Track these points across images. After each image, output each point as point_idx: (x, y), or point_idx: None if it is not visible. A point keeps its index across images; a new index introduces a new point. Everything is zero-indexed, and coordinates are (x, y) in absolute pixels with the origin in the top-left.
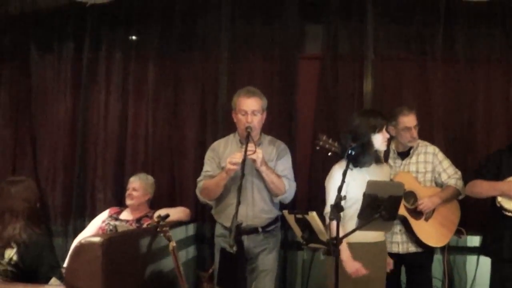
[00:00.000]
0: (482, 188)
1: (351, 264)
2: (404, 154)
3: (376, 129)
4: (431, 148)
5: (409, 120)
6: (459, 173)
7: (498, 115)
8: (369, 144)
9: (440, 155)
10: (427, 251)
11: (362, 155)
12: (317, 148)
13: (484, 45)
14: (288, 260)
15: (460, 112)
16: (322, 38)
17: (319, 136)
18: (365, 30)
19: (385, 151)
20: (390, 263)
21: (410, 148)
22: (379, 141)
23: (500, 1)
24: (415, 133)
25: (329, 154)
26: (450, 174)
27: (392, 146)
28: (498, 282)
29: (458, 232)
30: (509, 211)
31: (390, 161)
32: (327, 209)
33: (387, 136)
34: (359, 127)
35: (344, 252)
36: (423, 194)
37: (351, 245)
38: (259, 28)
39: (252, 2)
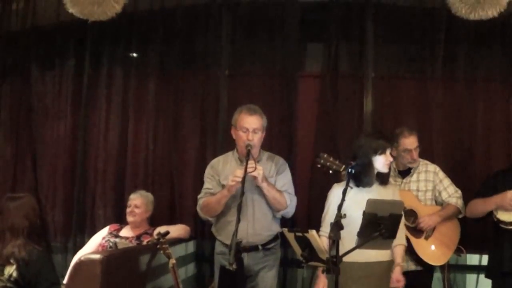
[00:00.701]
0: (478, 205)
1: None
2: (405, 173)
3: (378, 151)
4: (432, 167)
5: (409, 142)
6: (460, 192)
7: (498, 135)
8: (370, 165)
9: (441, 174)
10: (427, 270)
11: (362, 175)
12: (318, 166)
13: (484, 65)
14: (288, 278)
15: (460, 131)
16: (323, 56)
17: (320, 154)
18: (365, 49)
19: None
20: (401, 280)
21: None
22: (380, 163)
23: (501, 21)
24: (415, 155)
25: (330, 172)
26: (450, 193)
27: (393, 165)
28: None
29: (458, 251)
30: (506, 223)
31: (391, 179)
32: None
33: (390, 159)
34: (361, 147)
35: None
36: (423, 212)
37: (349, 265)
38: (259, 46)
39: (253, 20)
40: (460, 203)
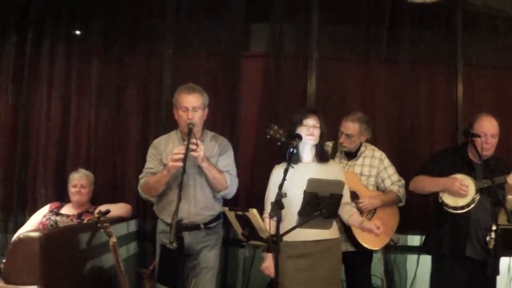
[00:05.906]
0: (425, 183)
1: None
2: (351, 155)
3: (297, 123)
4: (378, 153)
5: (344, 125)
6: (403, 181)
7: (441, 115)
8: (299, 138)
9: (386, 161)
10: (367, 251)
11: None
12: (268, 136)
13: (428, 47)
14: (230, 257)
15: (404, 112)
16: (267, 36)
17: (271, 125)
18: (310, 30)
19: (333, 151)
20: (379, 226)
21: (358, 149)
22: (302, 135)
23: (444, 4)
24: (342, 138)
25: (278, 143)
26: (393, 180)
27: (339, 147)
28: (438, 278)
29: (393, 239)
30: (450, 207)
31: (337, 160)
32: (266, 209)
33: (310, 129)
34: (289, 125)
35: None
36: (365, 195)
37: (287, 244)
38: (204, 25)
39: None
40: (402, 192)
